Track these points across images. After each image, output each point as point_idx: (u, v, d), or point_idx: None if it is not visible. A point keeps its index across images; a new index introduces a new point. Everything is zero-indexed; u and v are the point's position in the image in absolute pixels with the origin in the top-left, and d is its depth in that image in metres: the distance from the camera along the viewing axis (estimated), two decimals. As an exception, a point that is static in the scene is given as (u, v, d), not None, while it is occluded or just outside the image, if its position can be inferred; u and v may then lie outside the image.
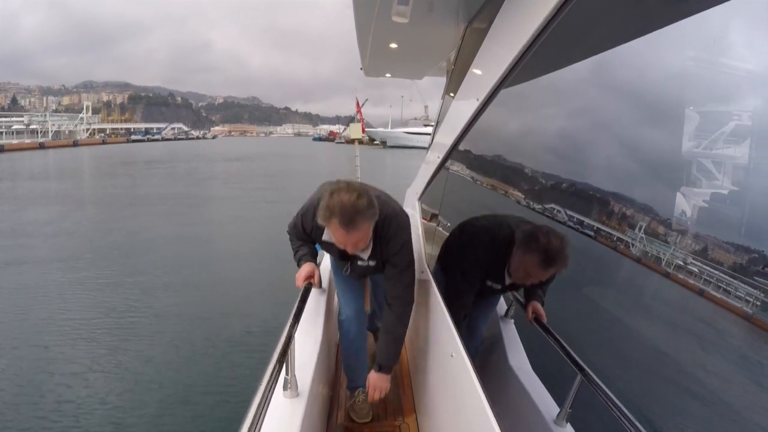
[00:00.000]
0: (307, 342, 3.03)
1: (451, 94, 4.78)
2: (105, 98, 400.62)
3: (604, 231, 4.40)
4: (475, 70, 3.57)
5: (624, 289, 4.52)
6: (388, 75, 7.91)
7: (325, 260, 4.07)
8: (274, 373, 2.02)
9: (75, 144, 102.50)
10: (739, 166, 3.09)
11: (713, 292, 3.09)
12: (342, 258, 3.16)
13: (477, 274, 3.27)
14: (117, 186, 36.24)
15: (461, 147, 4.38)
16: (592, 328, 4.24)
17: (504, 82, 2.91)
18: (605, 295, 4.65)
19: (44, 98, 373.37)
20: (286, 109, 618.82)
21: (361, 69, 7.08)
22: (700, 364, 3.55)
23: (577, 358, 2.62)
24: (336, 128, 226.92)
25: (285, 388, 2.51)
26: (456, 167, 5.58)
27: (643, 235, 3.78)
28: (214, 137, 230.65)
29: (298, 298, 2.89)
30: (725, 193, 3.22)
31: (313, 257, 3.28)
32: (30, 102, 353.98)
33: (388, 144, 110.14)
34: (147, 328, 10.06)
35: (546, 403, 2.90)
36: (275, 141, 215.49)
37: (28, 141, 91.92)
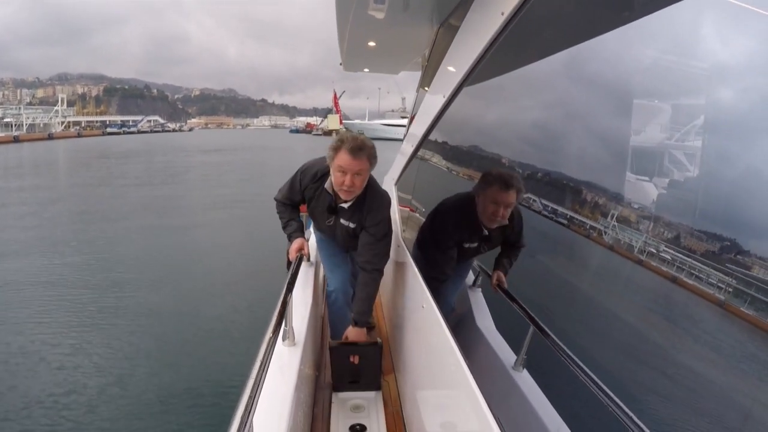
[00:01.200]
0: (299, 306, 3.42)
1: (425, 88, 5.20)
2: (80, 90, 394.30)
3: (577, 219, 4.65)
4: (446, 67, 3.98)
5: (595, 272, 4.78)
6: (366, 70, 8.17)
7: (312, 240, 4.37)
8: (276, 325, 2.36)
9: (50, 137, 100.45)
10: (710, 157, 3.15)
11: (686, 279, 3.34)
12: (330, 211, 3.49)
13: (449, 239, 3.69)
14: (94, 179, 36.13)
15: (438, 139, 4.77)
16: (560, 301, 4.57)
17: (470, 76, 3.35)
18: (573, 275, 4.99)
19: (18, 91, 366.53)
20: (263, 101, 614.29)
21: (341, 64, 7.38)
22: (651, 325, 3.85)
23: (530, 313, 3.07)
24: (313, 120, 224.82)
25: (284, 338, 2.95)
26: (435, 159, 5.99)
27: (615, 223, 4.05)
28: (190, 130, 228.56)
29: (292, 268, 3.30)
30: (697, 183, 3.30)
31: (302, 232, 3.70)
32: (3, 95, 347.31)
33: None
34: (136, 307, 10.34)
35: (506, 354, 3.35)
36: (252, 133, 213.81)
37: (2, 134, 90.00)
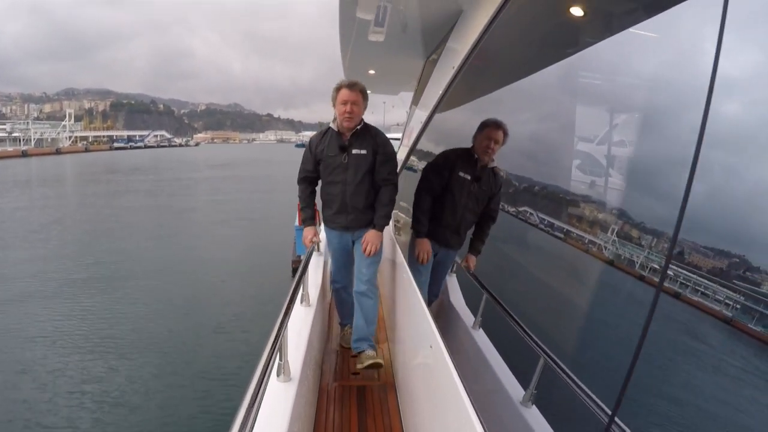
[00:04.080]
0: (312, 286, 4.30)
1: (414, 107, 6.19)
2: (87, 105, 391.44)
3: (574, 233, 5.18)
4: (428, 89, 4.96)
5: (588, 286, 5.24)
6: (369, 91, 9.20)
7: (322, 236, 5.12)
8: (296, 289, 3.13)
9: (58, 152, 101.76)
10: (716, 171, 2.92)
11: (690, 296, 3.63)
12: (341, 150, 4.11)
13: (446, 161, 4.45)
14: (102, 194, 37.36)
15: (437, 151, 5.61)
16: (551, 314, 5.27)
17: (443, 98, 4.35)
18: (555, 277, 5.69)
19: (25, 105, 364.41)
20: (269, 115, 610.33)
21: (345, 86, 8.36)
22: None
23: (485, 285, 4.00)
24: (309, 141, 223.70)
25: (301, 301, 3.88)
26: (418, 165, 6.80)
27: (615, 238, 4.47)
28: (197, 144, 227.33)
29: (306, 254, 4.22)
30: (703, 197, 3.33)
31: (313, 221, 4.51)
32: (11, 110, 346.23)
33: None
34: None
35: (469, 319, 4.28)
36: (258, 147, 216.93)
37: (10, 149, 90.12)
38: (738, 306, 3.27)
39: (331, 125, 4.19)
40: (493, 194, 4.49)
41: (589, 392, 2.50)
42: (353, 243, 4.41)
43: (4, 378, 8.76)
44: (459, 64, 3.90)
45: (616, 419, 2.06)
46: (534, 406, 3.16)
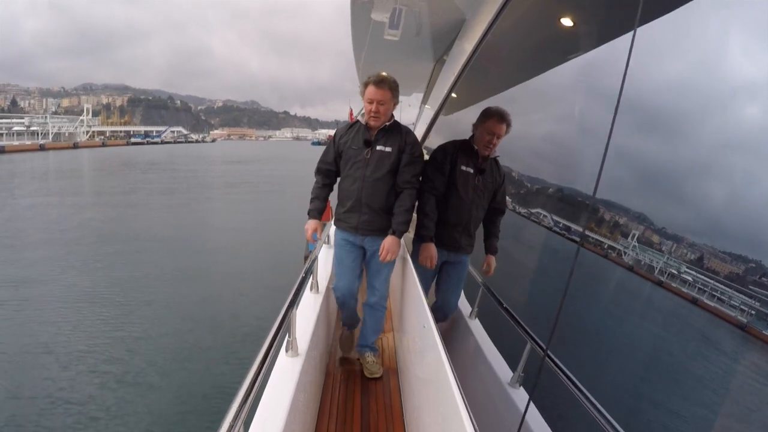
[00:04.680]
0: (322, 276, 4.53)
1: (424, 105, 6.49)
2: (104, 101, 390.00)
3: (592, 238, 5.51)
4: (436, 89, 5.24)
5: (608, 293, 5.59)
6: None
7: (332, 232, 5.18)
8: (306, 274, 3.45)
9: (75, 146, 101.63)
10: (736, 176, 3.18)
11: (707, 301, 3.92)
12: (366, 145, 3.89)
13: (446, 155, 4.20)
14: (119, 188, 38.05)
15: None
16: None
17: (448, 97, 4.62)
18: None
19: (44, 100, 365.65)
20: (285, 113, 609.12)
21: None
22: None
23: (487, 284, 4.28)
24: (334, 132, 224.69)
25: (311, 288, 4.19)
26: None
27: (636, 243, 4.78)
28: (213, 141, 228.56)
29: (316, 247, 4.47)
30: (721, 202, 3.41)
31: (319, 214, 4.17)
32: (30, 104, 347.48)
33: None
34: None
35: (466, 309, 4.60)
36: (274, 145, 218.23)
37: (28, 142, 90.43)
38: (753, 312, 3.23)
39: (360, 119, 4.00)
40: (498, 186, 4.33)
41: (571, 375, 2.75)
42: (365, 253, 4.18)
43: (30, 358, 9.23)
44: (461, 66, 4.15)
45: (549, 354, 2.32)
46: (521, 387, 3.45)
